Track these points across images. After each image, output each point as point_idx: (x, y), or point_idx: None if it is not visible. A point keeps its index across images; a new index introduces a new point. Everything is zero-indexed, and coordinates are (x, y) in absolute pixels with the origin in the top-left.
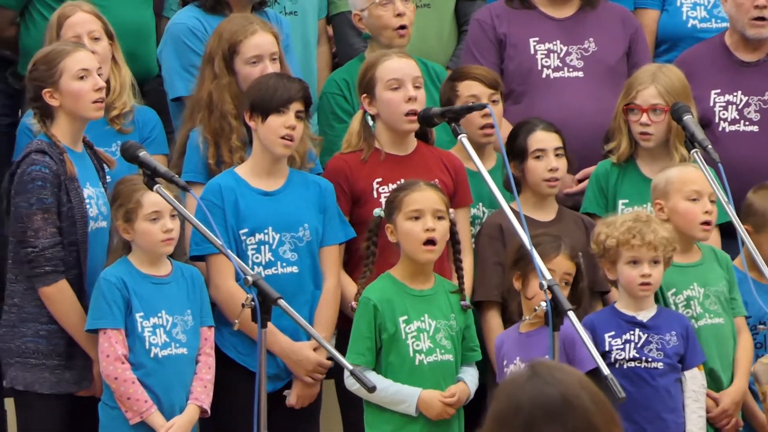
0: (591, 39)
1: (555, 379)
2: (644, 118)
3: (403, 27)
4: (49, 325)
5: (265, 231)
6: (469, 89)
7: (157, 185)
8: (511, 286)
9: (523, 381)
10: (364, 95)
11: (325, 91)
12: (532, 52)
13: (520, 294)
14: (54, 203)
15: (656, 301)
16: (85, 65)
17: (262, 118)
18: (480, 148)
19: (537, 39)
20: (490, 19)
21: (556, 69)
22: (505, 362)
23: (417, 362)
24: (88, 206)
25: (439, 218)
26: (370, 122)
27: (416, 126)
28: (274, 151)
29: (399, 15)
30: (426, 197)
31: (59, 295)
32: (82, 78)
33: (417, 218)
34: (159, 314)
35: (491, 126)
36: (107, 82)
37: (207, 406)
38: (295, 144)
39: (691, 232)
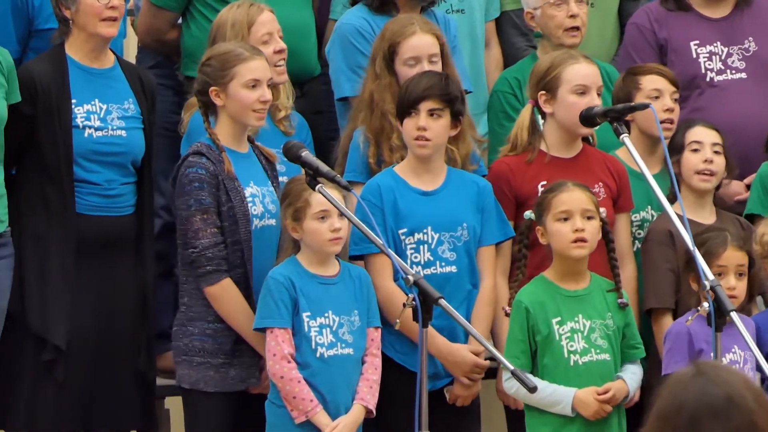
0: (750, 38)
1: (720, 379)
2: None
3: (575, 28)
4: (216, 323)
5: (424, 231)
6: (653, 83)
7: (319, 185)
8: (685, 290)
9: (688, 380)
10: (542, 92)
11: (495, 89)
12: (694, 56)
13: (694, 297)
14: (213, 203)
15: None
16: (257, 75)
17: (401, 122)
18: (653, 150)
19: (697, 42)
20: (649, 23)
21: (720, 72)
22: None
23: (572, 363)
24: (251, 204)
25: (589, 218)
26: (540, 120)
27: (592, 131)
28: (413, 153)
29: (572, 16)
30: (574, 197)
31: (223, 293)
32: (252, 87)
33: (566, 219)
34: (326, 314)
35: (670, 121)
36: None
37: (372, 406)
38: (434, 143)
39: None
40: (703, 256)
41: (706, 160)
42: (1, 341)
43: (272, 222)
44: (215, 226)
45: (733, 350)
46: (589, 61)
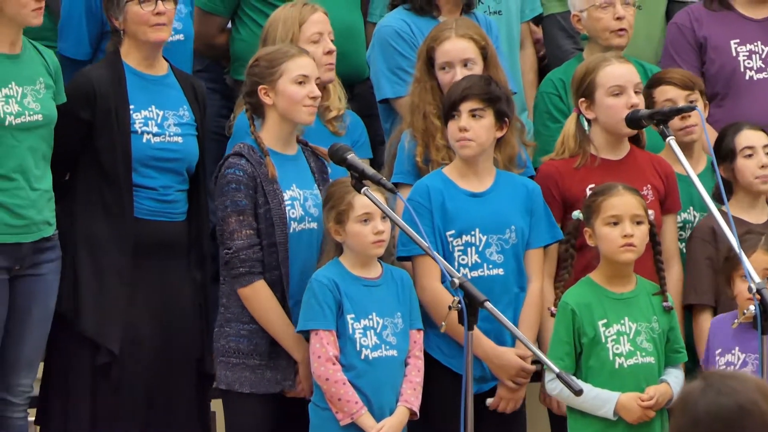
0: None
1: (729, 388)
2: None
3: (622, 29)
4: (251, 324)
5: (472, 233)
6: (664, 94)
7: (365, 187)
8: (723, 289)
9: (698, 394)
10: (582, 99)
11: (541, 91)
12: (734, 54)
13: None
14: (249, 205)
15: None
16: (306, 72)
17: (445, 125)
18: (688, 151)
19: (738, 41)
20: (689, 23)
21: (759, 70)
22: (719, 351)
23: (617, 365)
24: (289, 207)
25: (638, 223)
26: (585, 126)
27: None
28: (458, 154)
29: (619, 18)
30: (624, 202)
31: (256, 295)
32: (300, 83)
33: (615, 224)
34: (369, 316)
35: (693, 125)
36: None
37: (416, 408)
38: (477, 143)
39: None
40: (732, 257)
41: (763, 166)
42: (56, 343)
43: (313, 225)
44: (251, 227)
45: (732, 352)
46: (623, 60)
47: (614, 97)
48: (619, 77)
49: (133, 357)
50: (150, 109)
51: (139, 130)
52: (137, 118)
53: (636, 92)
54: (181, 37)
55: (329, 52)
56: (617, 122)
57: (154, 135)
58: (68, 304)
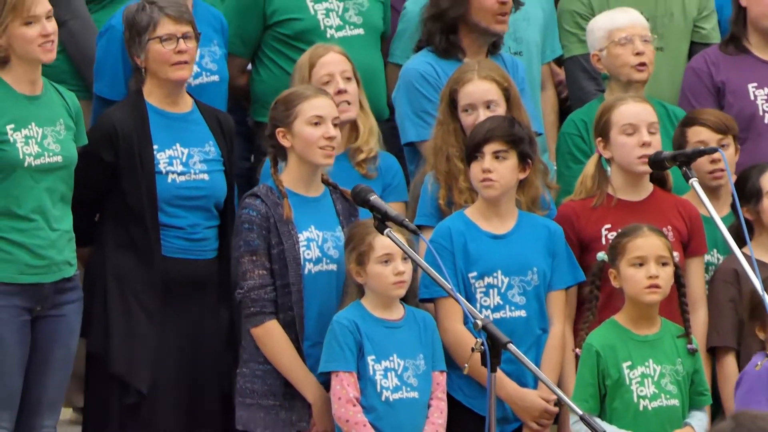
0: None
1: (758, 428)
2: None
3: (642, 63)
4: (265, 365)
5: (495, 274)
6: (697, 135)
7: (388, 229)
8: (748, 332)
9: None
10: (599, 139)
11: (563, 132)
12: (752, 98)
13: (757, 339)
14: (262, 245)
15: None
16: (321, 112)
17: (468, 166)
18: (714, 193)
19: (755, 84)
20: (706, 67)
21: None
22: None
23: (641, 408)
24: (305, 248)
25: (663, 264)
26: (606, 166)
27: (649, 170)
28: (481, 195)
29: (638, 54)
30: (650, 243)
31: (268, 335)
32: (315, 124)
33: (641, 265)
34: (391, 358)
35: (720, 170)
36: (355, 126)
37: None
38: (500, 184)
39: None
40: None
41: None
42: (87, 382)
43: (332, 267)
44: (263, 267)
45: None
46: (639, 100)
47: (627, 135)
48: (632, 116)
49: (161, 396)
50: (174, 147)
51: (164, 170)
52: (161, 158)
53: (651, 132)
54: (216, 78)
55: (339, 92)
56: (630, 161)
57: (179, 174)
58: (99, 344)
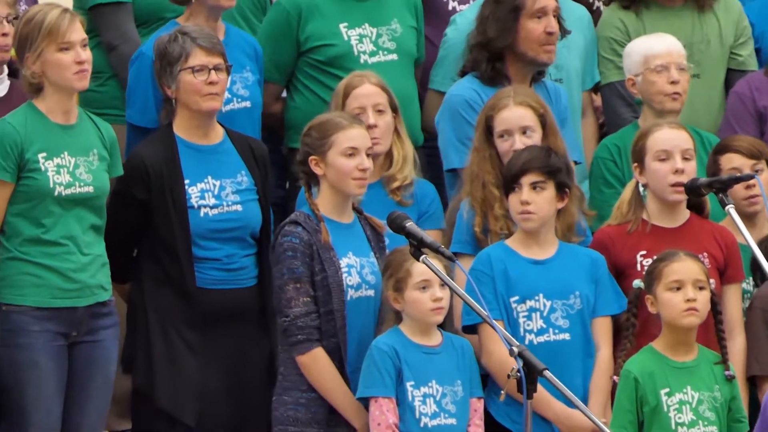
0: None
1: None
2: None
3: (677, 93)
4: (309, 393)
5: (536, 297)
6: (730, 162)
7: (424, 255)
8: None
9: None
10: (636, 164)
11: (596, 156)
12: None
13: None
14: (305, 273)
15: None
16: (356, 144)
17: (506, 197)
18: (750, 219)
19: None
20: (750, 92)
21: None
22: None
23: None
24: (346, 275)
25: (701, 288)
26: (642, 192)
27: (683, 197)
28: (520, 227)
29: (673, 82)
30: (686, 268)
31: (314, 363)
32: (350, 155)
33: (678, 289)
34: (429, 384)
35: (756, 196)
36: (390, 153)
37: None
38: (539, 216)
39: None
40: None
41: None
42: (134, 417)
43: (370, 293)
44: (308, 295)
45: None
46: (675, 126)
47: (660, 161)
48: (665, 141)
49: (209, 428)
50: (206, 180)
51: (196, 205)
52: (193, 192)
53: (686, 158)
54: (248, 104)
55: (369, 127)
56: (663, 188)
57: (212, 207)
58: (144, 380)
